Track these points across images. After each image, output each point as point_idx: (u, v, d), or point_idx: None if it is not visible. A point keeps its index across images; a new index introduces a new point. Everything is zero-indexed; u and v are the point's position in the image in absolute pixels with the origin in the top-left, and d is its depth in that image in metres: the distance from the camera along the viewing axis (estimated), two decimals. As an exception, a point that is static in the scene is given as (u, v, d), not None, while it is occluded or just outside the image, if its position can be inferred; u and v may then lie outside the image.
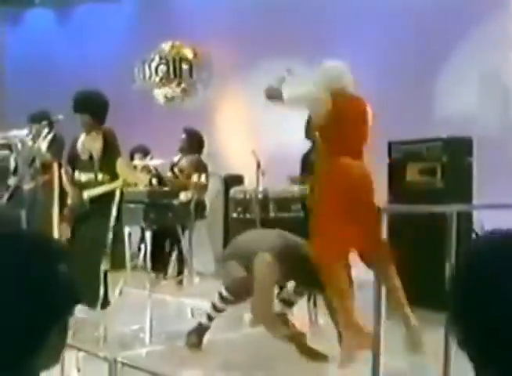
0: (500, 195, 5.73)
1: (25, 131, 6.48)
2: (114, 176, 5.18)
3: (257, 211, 6.05)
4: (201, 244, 7.64)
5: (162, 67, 8.72)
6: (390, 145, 6.14)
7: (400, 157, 6.05)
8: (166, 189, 7.11)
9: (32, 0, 11.20)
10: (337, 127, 4.23)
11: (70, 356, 3.57)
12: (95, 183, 5.16)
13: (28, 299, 1.11)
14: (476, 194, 5.81)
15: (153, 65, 8.80)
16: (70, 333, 1.23)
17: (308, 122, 5.78)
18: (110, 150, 5.17)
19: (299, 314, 4.80)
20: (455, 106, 7.01)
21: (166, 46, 8.71)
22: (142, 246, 7.19)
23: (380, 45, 7.58)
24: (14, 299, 1.11)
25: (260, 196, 6.12)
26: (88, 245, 4.94)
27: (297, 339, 4.26)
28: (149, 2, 10.41)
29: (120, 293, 5.89)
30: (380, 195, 5.94)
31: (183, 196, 6.96)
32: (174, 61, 8.81)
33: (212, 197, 7.95)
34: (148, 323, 5.20)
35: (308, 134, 6.02)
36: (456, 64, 7.09)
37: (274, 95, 4.51)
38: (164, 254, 7.49)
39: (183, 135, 7.44)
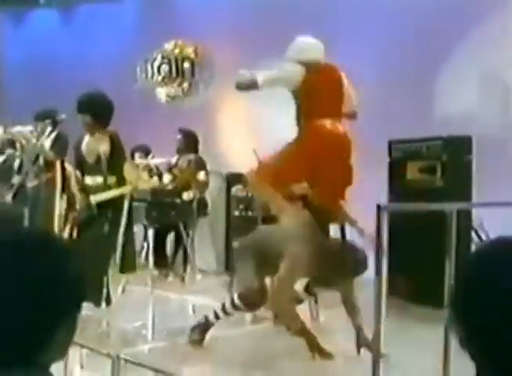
0: (499, 193, 5.72)
1: (29, 128, 6.48)
2: (121, 180, 5.17)
3: (259, 209, 6.06)
4: (203, 242, 7.64)
5: (164, 67, 8.70)
6: (390, 144, 6.15)
7: (400, 156, 6.05)
8: (169, 187, 7.11)
9: (37, 0, 11.20)
10: (311, 93, 4.53)
11: (73, 353, 3.57)
12: (104, 187, 5.14)
13: (38, 295, 1.13)
14: (475, 193, 5.80)
15: (156, 64, 8.77)
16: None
17: None
18: (117, 153, 5.16)
19: (300, 311, 4.79)
20: (455, 105, 7.00)
21: (168, 45, 8.69)
22: (145, 244, 7.20)
23: (380, 45, 7.56)
24: (24, 295, 1.13)
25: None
26: (93, 246, 4.93)
27: (309, 335, 4.20)
28: (152, 2, 10.41)
29: (123, 291, 5.88)
30: (381, 193, 5.95)
31: (185, 196, 6.96)
32: (176, 60, 8.79)
33: (214, 195, 7.95)
34: (150, 320, 5.20)
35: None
36: (456, 64, 7.08)
37: (247, 84, 4.74)
38: (166, 252, 7.50)
39: (179, 136, 7.47)
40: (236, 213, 6.43)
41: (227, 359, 4.46)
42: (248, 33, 8.79)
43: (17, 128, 6.59)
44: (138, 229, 7.09)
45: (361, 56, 7.74)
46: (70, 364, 3.44)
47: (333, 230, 4.87)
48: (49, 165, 6.40)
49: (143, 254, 7.18)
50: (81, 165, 5.30)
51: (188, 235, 7.15)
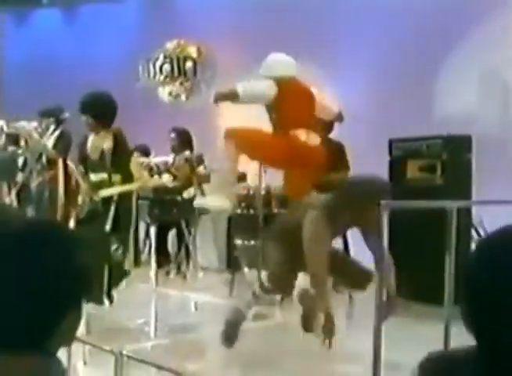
0: (499, 191, 5.72)
1: (34, 124, 6.48)
2: (126, 176, 5.15)
3: (260, 207, 6.05)
4: (205, 239, 7.64)
5: (166, 66, 8.70)
6: (390, 142, 6.14)
7: (400, 155, 6.04)
8: (171, 185, 7.10)
9: (40, 0, 11.20)
10: (283, 107, 4.83)
11: (76, 350, 3.57)
12: (109, 183, 5.12)
13: (49, 282, 1.17)
14: (475, 191, 5.80)
15: (158, 64, 8.78)
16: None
17: None
18: (121, 149, 5.14)
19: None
20: (455, 104, 6.99)
21: (170, 45, 8.69)
22: (147, 241, 7.20)
23: (381, 45, 7.56)
24: (37, 282, 1.16)
25: (263, 192, 6.12)
26: (93, 243, 4.92)
27: (330, 315, 4.06)
28: (154, 2, 10.40)
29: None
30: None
31: (186, 194, 6.96)
32: (178, 60, 8.79)
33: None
34: (153, 317, 5.20)
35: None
36: (456, 63, 7.07)
37: (226, 95, 5.02)
38: (168, 250, 7.50)
39: (172, 135, 7.44)
40: (238, 211, 6.43)
41: (229, 356, 4.46)
42: (250, 33, 8.79)
43: (21, 124, 6.58)
44: (140, 226, 7.10)
45: (361, 56, 7.74)
46: (74, 360, 3.44)
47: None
48: (52, 163, 6.39)
49: (146, 251, 7.18)
50: (85, 162, 5.29)
51: (190, 232, 7.15)
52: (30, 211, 6.57)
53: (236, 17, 9.00)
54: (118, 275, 5.11)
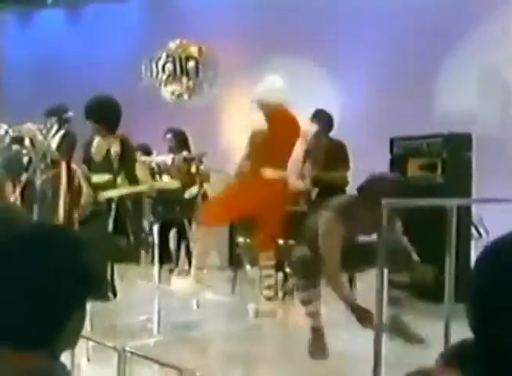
0: (498, 190, 5.71)
1: (38, 125, 6.47)
2: (131, 180, 5.20)
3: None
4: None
5: (169, 65, 8.70)
6: (391, 141, 6.13)
7: (401, 153, 6.03)
8: (174, 184, 7.09)
9: (44, 0, 11.19)
10: (269, 143, 4.95)
11: (80, 346, 3.57)
12: (113, 186, 5.15)
13: (55, 283, 1.19)
14: (475, 189, 5.79)
15: (160, 63, 8.78)
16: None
17: (312, 119, 6.21)
18: (128, 155, 5.21)
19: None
20: (455, 103, 6.98)
21: (173, 45, 8.68)
22: (150, 239, 7.19)
23: (382, 44, 7.55)
24: (44, 283, 1.18)
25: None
26: (96, 242, 4.93)
27: (355, 305, 3.96)
28: (157, 2, 10.40)
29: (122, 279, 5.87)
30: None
31: (188, 194, 6.95)
32: (180, 59, 8.79)
33: (217, 191, 7.93)
34: (156, 313, 5.20)
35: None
36: (457, 63, 7.06)
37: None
38: (170, 247, 7.50)
39: (168, 136, 7.43)
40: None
41: (230, 353, 4.46)
42: (251, 32, 8.78)
43: (26, 125, 6.58)
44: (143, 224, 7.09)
45: (362, 55, 7.73)
46: (77, 357, 3.44)
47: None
48: (56, 162, 6.40)
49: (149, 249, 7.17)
50: (89, 164, 5.32)
51: (192, 230, 7.14)
52: (34, 210, 6.57)
53: (237, 17, 9.00)
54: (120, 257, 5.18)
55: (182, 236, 7.43)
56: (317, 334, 4.02)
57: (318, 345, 3.99)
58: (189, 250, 7.27)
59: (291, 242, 6.08)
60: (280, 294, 5.87)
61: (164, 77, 8.66)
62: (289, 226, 6.09)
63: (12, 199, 6.92)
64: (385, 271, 3.50)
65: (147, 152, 7.56)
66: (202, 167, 7.22)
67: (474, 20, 6.94)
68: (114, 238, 5.09)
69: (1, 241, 1.23)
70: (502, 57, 6.74)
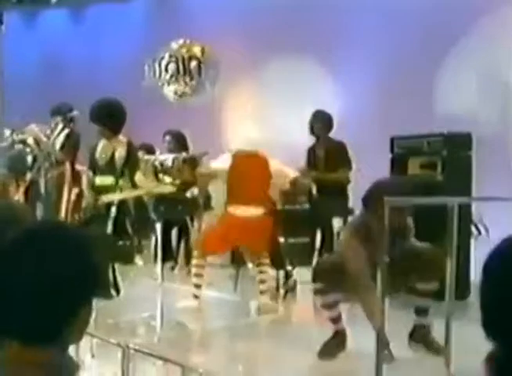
0: (498, 189, 5.71)
1: (42, 127, 6.48)
2: (133, 184, 5.26)
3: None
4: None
5: (172, 65, 8.68)
6: (392, 140, 6.12)
7: (402, 152, 6.02)
8: (176, 182, 7.09)
9: (48, 0, 11.18)
10: (233, 180, 5.30)
11: (84, 343, 3.57)
12: (115, 188, 5.20)
13: (65, 279, 1.21)
14: (475, 188, 5.79)
15: (163, 63, 8.76)
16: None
17: (312, 120, 6.27)
18: (132, 161, 5.31)
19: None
20: (455, 103, 6.97)
21: (176, 45, 8.67)
22: (153, 237, 7.20)
23: (383, 43, 7.53)
24: (53, 280, 1.20)
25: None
26: (99, 241, 4.94)
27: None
28: (160, 2, 10.40)
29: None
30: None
31: (189, 194, 6.96)
32: (183, 59, 8.77)
33: (219, 190, 7.93)
34: (159, 310, 5.21)
35: (312, 131, 6.23)
36: (457, 63, 7.04)
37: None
38: (172, 245, 7.50)
39: (167, 137, 7.44)
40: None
41: (232, 349, 4.46)
42: (253, 33, 8.78)
43: (30, 127, 6.58)
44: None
45: (362, 56, 7.72)
46: (82, 353, 3.44)
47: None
48: (60, 162, 6.41)
49: (152, 247, 7.18)
50: (94, 167, 5.38)
51: (194, 228, 7.13)
52: (38, 208, 6.57)
53: (239, 17, 8.99)
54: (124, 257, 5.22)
55: (182, 233, 7.43)
56: (341, 338, 3.96)
57: (338, 349, 3.93)
58: (189, 246, 7.27)
59: (292, 240, 6.10)
60: (282, 291, 5.87)
61: (167, 76, 8.64)
62: (290, 225, 6.10)
63: (15, 198, 6.93)
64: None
65: (150, 151, 7.56)
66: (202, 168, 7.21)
67: (474, 20, 6.92)
68: (113, 240, 5.10)
69: (10, 239, 1.24)
70: (502, 57, 6.73)
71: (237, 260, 6.62)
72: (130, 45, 9.95)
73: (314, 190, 6.24)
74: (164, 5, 10.22)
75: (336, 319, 3.97)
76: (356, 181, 6.05)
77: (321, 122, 6.26)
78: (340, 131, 6.42)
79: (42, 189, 6.48)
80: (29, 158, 6.92)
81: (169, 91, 8.77)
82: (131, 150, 5.32)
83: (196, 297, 5.23)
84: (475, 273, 5.14)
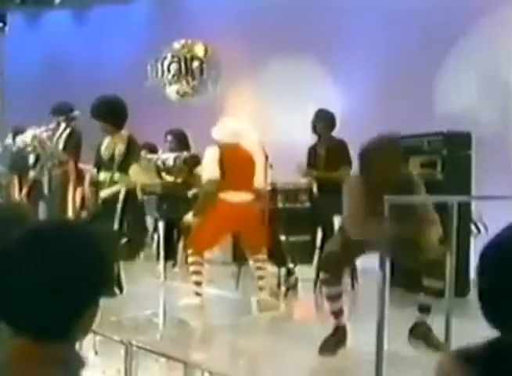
0: (497, 187, 5.71)
1: (42, 129, 6.47)
2: (128, 177, 5.24)
3: (266, 202, 6.05)
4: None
5: (174, 65, 8.69)
6: (392, 139, 6.11)
7: (402, 151, 6.02)
8: (178, 181, 7.09)
9: (52, 1, 11.19)
10: (223, 169, 5.33)
11: (87, 340, 3.58)
12: (110, 183, 5.19)
13: (73, 278, 1.23)
14: (474, 187, 5.79)
15: (166, 63, 8.76)
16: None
17: (315, 119, 6.26)
18: (131, 155, 5.26)
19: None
20: (455, 102, 6.96)
21: (178, 45, 8.67)
22: (155, 235, 7.20)
23: (383, 43, 7.53)
24: (62, 278, 1.22)
25: (268, 187, 6.11)
26: (104, 237, 4.94)
27: None
28: (162, 3, 10.40)
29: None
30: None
31: (190, 194, 6.95)
32: (185, 59, 8.77)
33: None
34: (161, 308, 5.21)
35: (315, 130, 6.28)
36: (457, 62, 7.04)
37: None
38: (174, 243, 7.49)
39: (169, 137, 7.42)
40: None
41: (234, 346, 4.46)
42: (254, 33, 8.78)
43: (30, 132, 6.56)
44: (148, 221, 7.09)
45: (362, 55, 7.72)
46: (85, 351, 3.44)
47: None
48: (62, 162, 6.41)
49: (154, 245, 7.19)
50: (99, 164, 5.37)
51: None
52: (41, 207, 6.58)
53: (240, 18, 9.00)
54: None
55: (180, 232, 7.42)
56: (341, 335, 3.95)
57: (339, 345, 3.93)
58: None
59: (293, 239, 6.10)
60: (283, 289, 5.88)
61: (170, 76, 8.64)
62: (291, 223, 6.10)
63: (18, 197, 6.93)
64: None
65: (153, 150, 7.56)
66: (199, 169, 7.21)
67: (474, 20, 6.91)
68: (118, 237, 5.10)
69: (16, 238, 1.25)
70: (502, 57, 6.72)
71: (239, 258, 6.61)
72: (132, 46, 9.96)
73: (315, 189, 6.24)
74: (166, 6, 10.23)
75: (337, 313, 3.98)
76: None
77: (323, 121, 6.26)
78: (340, 130, 6.42)
79: (45, 189, 6.48)
80: (31, 157, 6.92)
81: (171, 91, 8.77)
82: (130, 145, 5.27)
83: (197, 294, 5.22)
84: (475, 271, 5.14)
